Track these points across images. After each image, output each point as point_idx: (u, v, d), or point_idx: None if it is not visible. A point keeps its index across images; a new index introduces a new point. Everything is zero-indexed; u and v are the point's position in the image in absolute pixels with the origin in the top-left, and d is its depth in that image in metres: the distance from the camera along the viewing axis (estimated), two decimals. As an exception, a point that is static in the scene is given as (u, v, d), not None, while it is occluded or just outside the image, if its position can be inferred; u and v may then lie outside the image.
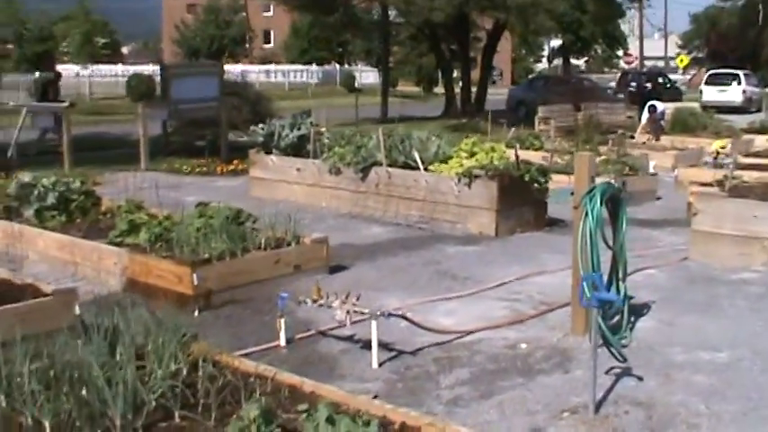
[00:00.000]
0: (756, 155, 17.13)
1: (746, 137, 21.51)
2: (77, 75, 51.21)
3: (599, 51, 64.99)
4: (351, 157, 12.30)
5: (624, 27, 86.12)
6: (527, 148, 17.74)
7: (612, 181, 6.62)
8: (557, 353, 6.46)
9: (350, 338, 6.76)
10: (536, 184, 11.08)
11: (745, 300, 7.80)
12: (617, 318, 6.78)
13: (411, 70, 62.21)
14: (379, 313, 6.25)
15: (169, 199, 11.69)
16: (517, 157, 11.23)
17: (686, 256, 9.34)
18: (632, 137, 21.07)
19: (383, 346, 6.53)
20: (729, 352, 6.41)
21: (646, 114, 21.52)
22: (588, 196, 6.31)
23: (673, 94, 39.74)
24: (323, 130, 13.41)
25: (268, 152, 13.81)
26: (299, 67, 66.63)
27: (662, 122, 21.51)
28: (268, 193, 13.61)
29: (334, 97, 54.93)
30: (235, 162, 17.75)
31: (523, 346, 6.62)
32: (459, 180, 11.06)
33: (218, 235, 8.34)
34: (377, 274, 8.91)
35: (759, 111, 35.86)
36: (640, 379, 5.91)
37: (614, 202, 6.63)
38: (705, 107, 39.86)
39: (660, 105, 21.89)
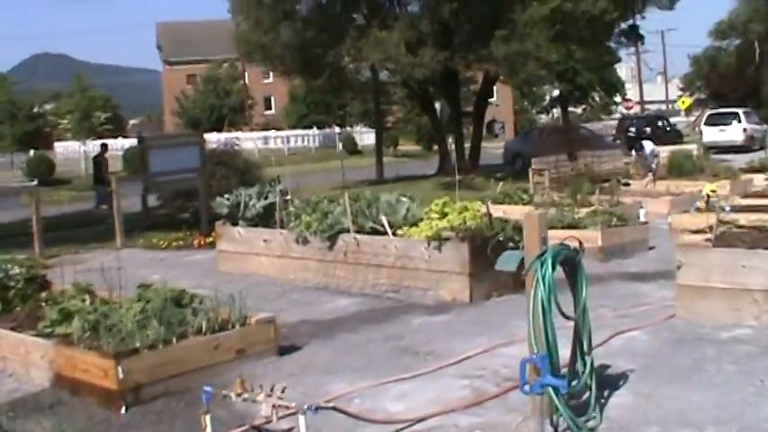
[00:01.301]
0: (756, 195, 16.37)
1: (745, 177, 20.75)
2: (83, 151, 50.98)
3: (597, 99, 64.43)
4: (317, 226, 11.57)
5: (623, 73, 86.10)
6: (515, 203, 17.05)
7: (569, 242, 5.73)
8: (513, 442, 5.64)
9: (286, 434, 5.96)
10: (511, 243, 10.30)
11: (735, 362, 6.96)
12: (585, 395, 5.98)
13: (412, 129, 61.87)
14: (306, 407, 5.47)
15: (133, 278, 10.95)
16: (489, 215, 10.47)
17: (673, 314, 8.50)
18: (627, 184, 20.34)
19: (322, 440, 5.77)
20: (714, 430, 5.58)
21: (634, 155, 20.86)
22: (539, 261, 5.55)
23: (673, 136, 39.10)
24: (288, 197, 12.67)
25: (234, 224, 13.10)
26: (299, 132, 66.38)
27: (653, 164, 20.75)
28: (236, 266, 12.90)
29: (335, 160, 54.64)
30: (214, 234, 17.06)
31: (477, 434, 5.81)
32: (429, 244, 10.31)
33: (156, 320, 7.59)
34: (331, 354, 8.12)
35: (762, 149, 35.14)
36: (606, 471, 5.08)
37: (571, 266, 5.86)
38: (706, 148, 39.39)
39: (649, 145, 21.20)
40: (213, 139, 41.07)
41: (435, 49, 27.30)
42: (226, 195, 13.56)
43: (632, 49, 48.61)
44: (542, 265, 5.51)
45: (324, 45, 28.83)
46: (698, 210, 13.05)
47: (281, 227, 12.30)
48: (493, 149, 45.09)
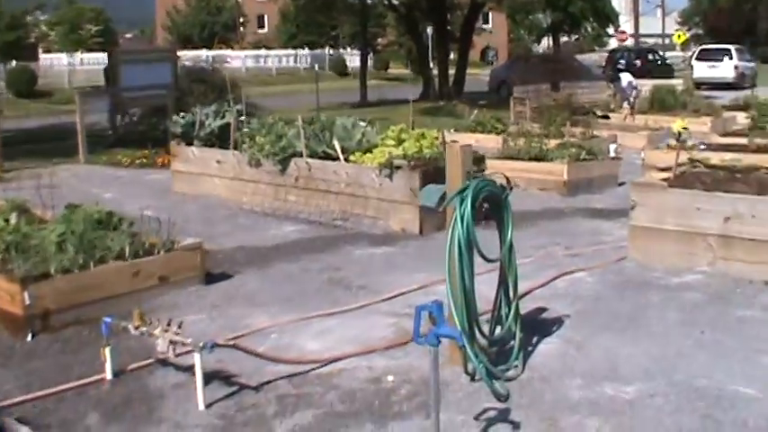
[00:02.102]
0: (735, 134, 15.90)
1: (728, 114, 20.23)
2: (69, 63, 50.17)
3: (589, 29, 63.18)
4: (269, 148, 11.08)
5: (620, 4, 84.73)
6: (488, 132, 16.56)
7: (498, 177, 5.28)
8: (426, 389, 5.23)
9: (191, 369, 5.55)
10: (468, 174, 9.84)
11: (679, 311, 6.56)
12: (512, 342, 5.60)
13: (403, 52, 60.92)
14: (201, 345, 5.06)
15: (84, 196, 10.57)
16: (444, 143, 9.97)
17: (625, 256, 8.09)
18: (606, 116, 19.85)
19: (225, 378, 5.40)
20: (640, 385, 5.19)
21: (611, 85, 20.38)
22: (458, 197, 5.11)
23: (664, 70, 38.39)
24: (242, 118, 12.15)
25: (190, 143, 12.60)
26: (289, 51, 65.20)
27: (631, 97, 20.20)
28: (190, 187, 12.47)
29: (324, 81, 53.76)
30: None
31: (390, 378, 5.42)
32: (380, 171, 9.85)
33: (75, 243, 7.15)
34: (261, 284, 7.71)
35: (753, 87, 34.50)
36: (516, 427, 4.70)
37: (496, 204, 5.42)
38: (697, 84, 38.71)
39: (626, 77, 20.65)
40: (202, 55, 40.26)
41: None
42: (181, 113, 13.02)
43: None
44: (462, 203, 5.07)
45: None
46: (668, 146, 12.58)
47: (235, 148, 11.82)
48: (485, 76, 44.33)
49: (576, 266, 7.88)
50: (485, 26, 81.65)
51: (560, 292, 7.12)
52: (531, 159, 12.69)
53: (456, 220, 5.05)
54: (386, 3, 32.74)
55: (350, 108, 31.21)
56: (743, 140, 14.16)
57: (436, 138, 10.65)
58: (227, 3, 78.70)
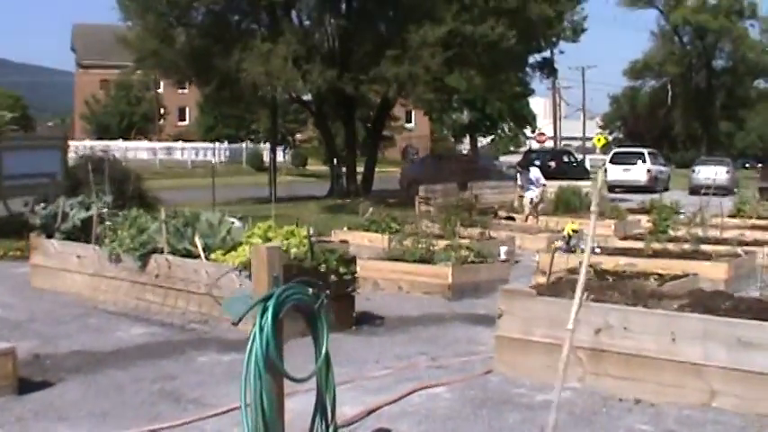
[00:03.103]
0: (635, 237, 15.54)
1: (633, 217, 19.99)
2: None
3: (506, 130, 63.87)
4: (128, 243, 10.27)
5: (541, 107, 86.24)
6: (382, 232, 15.91)
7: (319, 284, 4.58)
8: None
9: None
10: (333, 276, 9.15)
11: (536, 436, 5.87)
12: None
13: (321, 149, 60.75)
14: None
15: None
16: (311, 243, 9.28)
17: (491, 369, 7.40)
18: (511, 218, 19.44)
19: None
20: None
21: (519, 177, 20.03)
22: (260, 306, 4.39)
23: (579, 172, 38.43)
24: (104, 211, 11.34)
25: (50, 236, 11.73)
26: (206, 144, 64.66)
27: (534, 194, 19.88)
28: (50, 283, 11.57)
29: (239, 176, 53.16)
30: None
31: None
32: (240, 272, 9.09)
33: None
34: (81, 395, 6.84)
35: (666, 190, 34.71)
36: None
37: (308, 314, 4.70)
38: (611, 187, 38.89)
39: (535, 171, 20.38)
40: (99, 145, 39.36)
41: (324, 66, 26.13)
42: (42, 204, 12.18)
43: (547, 81, 48.02)
44: (263, 313, 4.34)
45: (214, 54, 27.44)
46: (557, 249, 12.05)
47: (97, 242, 10.98)
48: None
49: (436, 380, 7.15)
50: (407, 125, 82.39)
51: (411, 410, 6.38)
52: (417, 261, 12.05)
53: (254, 333, 4.31)
54: (293, 96, 32.30)
55: (254, 204, 30.51)
56: (641, 245, 13.78)
57: (306, 236, 9.96)
58: (148, 94, 78.09)
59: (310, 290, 4.67)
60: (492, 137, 68.01)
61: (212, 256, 9.60)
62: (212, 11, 27.89)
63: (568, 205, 20.49)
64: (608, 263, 11.80)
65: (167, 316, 9.75)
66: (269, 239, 9.74)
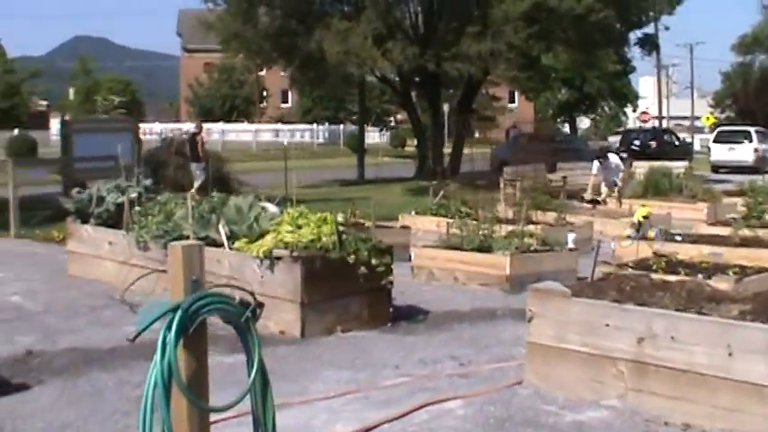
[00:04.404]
0: (727, 223, 14.22)
1: (728, 200, 18.53)
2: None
3: (606, 109, 61.49)
4: (155, 230, 9.58)
5: (649, 85, 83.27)
6: (452, 216, 14.92)
7: (246, 291, 3.70)
8: None
9: None
10: (363, 268, 8.27)
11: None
12: None
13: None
14: None
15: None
16: (339, 232, 8.40)
17: (521, 380, 6.41)
18: (595, 201, 18.23)
19: None
20: None
21: (596, 166, 18.60)
22: (170, 317, 3.54)
23: (681, 152, 36.60)
24: (134, 195, 10.66)
25: (85, 221, 11.15)
26: (304, 126, 64.41)
27: (617, 179, 18.55)
28: (84, 270, 11.04)
29: (334, 158, 52.66)
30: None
31: None
32: (262, 262, 8.29)
33: None
34: (51, 402, 6.16)
35: (775, 171, 32.70)
36: None
37: (236, 326, 3.83)
38: (715, 167, 36.90)
39: (614, 158, 18.97)
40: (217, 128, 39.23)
41: (405, 43, 25.16)
42: (76, 189, 11.61)
43: (648, 56, 45.81)
44: (169, 327, 3.48)
45: (296, 34, 26.77)
46: (628, 237, 10.94)
47: (127, 229, 10.34)
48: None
49: (454, 392, 6.21)
50: (510, 105, 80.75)
51: (411, 430, 5.46)
52: (475, 249, 11.07)
53: (157, 351, 3.46)
54: (377, 76, 31.42)
55: (339, 185, 29.85)
56: (726, 231, 12.55)
57: (342, 223, 9.10)
58: (250, 77, 78.28)
59: (237, 299, 3.76)
60: (592, 116, 65.75)
61: (236, 244, 8.81)
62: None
63: (658, 188, 19.15)
64: (689, 252, 10.66)
65: (189, 309, 9.00)
66: (299, 227, 8.89)
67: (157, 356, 3.45)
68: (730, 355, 5.36)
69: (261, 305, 3.87)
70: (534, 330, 6.29)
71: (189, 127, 37.31)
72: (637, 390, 5.77)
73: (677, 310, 5.76)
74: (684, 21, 44.35)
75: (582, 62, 31.64)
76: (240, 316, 3.74)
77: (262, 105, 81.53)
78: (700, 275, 8.44)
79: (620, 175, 18.67)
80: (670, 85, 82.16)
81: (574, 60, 29.71)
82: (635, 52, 39.47)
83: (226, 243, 8.84)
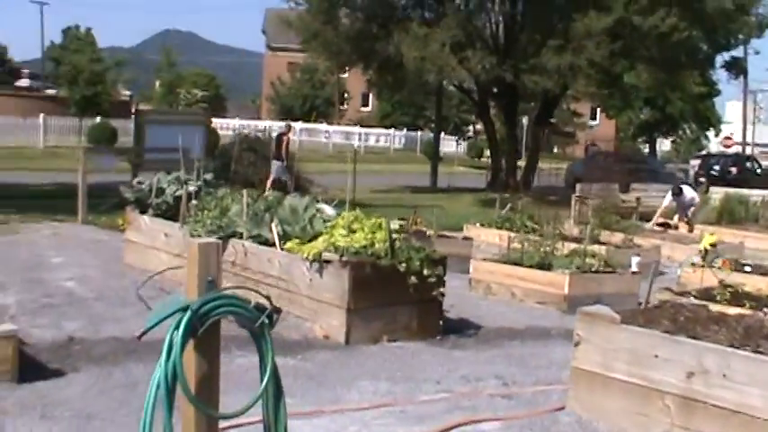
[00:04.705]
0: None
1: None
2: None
3: (688, 132, 60.20)
4: (209, 225, 9.52)
5: (737, 112, 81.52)
6: (516, 230, 14.65)
7: (263, 295, 3.55)
8: None
9: None
10: (414, 278, 8.07)
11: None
12: None
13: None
14: None
15: (28, 258, 11.00)
16: (391, 239, 8.21)
17: (563, 406, 6.16)
18: (667, 225, 17.73)
19: None
20: None
21: (669, 198, 18.04)
22: (179, 318, 3.40)
23: (761, 180, 35.60)
24: (192, 188, 10.61)
25: (144, 211, 11.17)
26: (382, 131, 64.38)
27: (689, 212, 17.99)
28: (140, 260, 11.04)
29: (409, 164, 52.53)
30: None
31: None
32: (311, 265, 8.15)
33: None
34: (84, 390, 6.11)
35: None
36: None
37: (251, 332, 3.67)
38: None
39: (689, 192, 18.37)
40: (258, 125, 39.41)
41: (484, 52, 24.90)
42: (137, 180, 11.63)
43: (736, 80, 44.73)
44: (176, 327, 3.34)
45: (376, 37, 26.70)
46: (693, 265, 10.55)
47: (184, 221, 10.30)
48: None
49: (493, 413, 5.98)
50: (591, 122, 79.75)
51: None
52: (534, 266, 10.80)
53: (162, 353, 3.32)
54: (455, 85, 31.19)
55: (410, 192, 29.69)
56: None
57: (400, 230, 8.92)
58: (331, 79, 78.55)
59: (252, 302, 3.61)
60: (672, 138, 64.50)
61: (288, 245, 8.69)
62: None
63: (732, 215, 18.59)
64: (757, 284, 10.25)
65: (237, 307, 8.91)
66: (353, 231, 8.74)
67: (162, 357, 3.31)
68: (785, 398, 5.05)
69: (278, 311, 3.72)
70: (580, 355, 6.03)
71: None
72: (684, 427, 5.48)
73: (731, 346, 5.45)
74: (775, 46, 43.20)
75: (664, 82, 30.96)
76: (255, 321, 3.55)
77: (342, 107, 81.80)
78: (765, 309, 8.06)
79: (692, 209, 18.08)
80: (757, 111, 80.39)
81: (656, 79, 29.08)
82: (721, 75, 38.61)
83: (278, 243, 8.73)
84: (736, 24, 26.67)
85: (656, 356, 5.61)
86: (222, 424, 3.72)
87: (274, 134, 25.04)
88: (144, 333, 3.45)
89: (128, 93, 54.98)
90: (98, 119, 43.43)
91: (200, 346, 3.53)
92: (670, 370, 5.54)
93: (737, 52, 36.48)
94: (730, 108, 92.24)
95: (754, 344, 5.53)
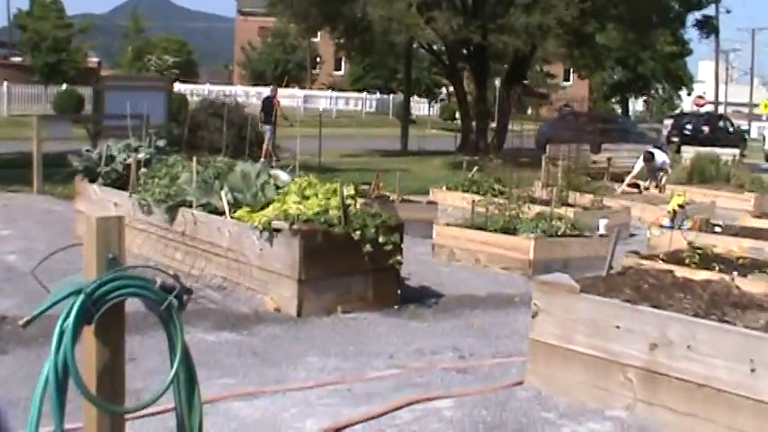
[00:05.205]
0: (768, 216, 13.49)
1: (777, 191, 17.68)
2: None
3: (660, 92, 59.86)
4: (158, 193, 9.10)
5: (710, 72, 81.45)
6: (484, 194, 14.29)
7: (168, 272, 3.13)
8: None
9: None
10: (369, 246, 7.71)
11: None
12: None
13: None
14: None
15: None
16: (344, 206, 7.83)
17: (522, 380, 5.82)
18: (636, 185, 17.42)
19: None
20: None
21: (640, 163, 17.69)
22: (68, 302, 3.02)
23: (735, 140, 35.45)
24: (140, 156, 10.16)
25: (93, 180, 10.72)
26: (354, 94, 63.77)
27: (661, 174, 17.65)
28: (90, 231, 10.51)
29: (383, 127, 52.04)
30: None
31: None
32: (261, 234, 7.77)
33: None
34: (8, 373, 5.76)
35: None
36: None
37: (159, 315, 3.28)
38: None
39: (660, 156, 18.03)
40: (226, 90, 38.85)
41: (451, 12, 24.41)
42: (86, 148, 11.19)
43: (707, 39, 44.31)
44: (68, 314, 2.96)
45: (342, -1, 26.16)
46: (661, 227, 10.25)
47: (134, 190, 9.87)
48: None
49: (447, 390, 5.64)
50: (564, 83, 79.36)
51: (389, 434, 4.91)
52: (499, 231, 10.46)
53: (52, 344, 2.93)
54: (423, 46, 30.71)
55: (380, 156, 29.26)
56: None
57: (355, 196, 8.55)
58: (303, 42, 77.66)
59: (158, 282, 3.21)
60: (645, 98, 64.18)
61: (237, 213, 8.30)
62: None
63: (703, 175, 18.30)
64: (728, 245, 9.97)
65: (186, 278, 8.52)
66: (306, 198, 8.36)
67: (52, 349, 2.92)
68: (753, 371, 4.73)
69: (189, 291, 3.32)
70: (538, 327, 5.70)
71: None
72: (646, 402, 5.16)
73: (696, 315, 5.13)
74: (747, 5, 43.04)
75: (634, 41, 30.53)
76: (161, 303, 3.16)
77: (314, 72, 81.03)
78: (734, 273, 7.75)
79: (663, 174, 17.69)
80: (729, 71, 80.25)
81: (626, 39, 28.64)
82: (693, 34, 38.27)
83: (227, 211, 8.34)
84: (706, -22, 26.28)
85: (618, 327, 5.28)
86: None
87: (253, 99, 24.80)
88: (29, 322, 3.05)
89: (95, 59, 54.03)
90: (64, 86, 42.53)
91: (100, 333, 3.14)
92: (632, 341, 5.22)
93: (709, 11, 36.18)
94: (703, 68, 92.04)
95: (720, 312, 5.22)
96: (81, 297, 2.97)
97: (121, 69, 62.29)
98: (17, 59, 54.09)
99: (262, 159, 13.72)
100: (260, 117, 24.46)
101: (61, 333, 2.95)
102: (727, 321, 5.04)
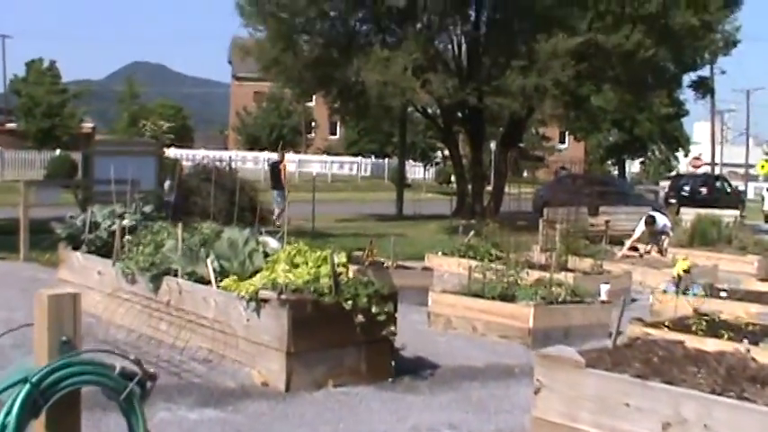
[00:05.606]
0: (772, 280, 13.15)
1: (781, 255, 17.32)
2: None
3: (657, 153, 59.93)
4: (142, 261, 8.76)
5: (705, 132, 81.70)
6: (480, 259, 13.92)
7: (134, 358, 2.78)
8: None
9: None
10: (361, 316, 7.35)
11: None
12: None
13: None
14: None
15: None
16: (335, 274, 7.48)
17: (525, 461, 5.44)
18: (635, 248, 17.07)
19: None
20: None
21: (641, 227, 17.35)
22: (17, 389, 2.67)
23: (732, 201, 35.22)
24: (125, 223, 9.83)
25: (77, 247, 10.38)
26: (350, 159, 63.78)
27: (662, 238, 17.30)
28: (73, 301, 10.13)
29: (378, 191, 51.87)
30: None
31: None
32: (248, 304, 7.41)
33: None
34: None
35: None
36: None
37: (119, 402, 2.92)
38: (766, 217, 35.48)
39: (662, 219, 17.71)
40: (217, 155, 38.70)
41: (446, 75, 24.30)
42: (70, 215, 10.87)
43: (702, 100, 44.42)
44: (11, 407, 2.60)
45: (335, 63, 26.04)
46: (664, 293, 9.91)
47: (118, 258, 9.53)
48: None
49: (444, 473, 5.24)
50: (560, 145, 79.53)
51: None
52: (496, 298, 10.10)
53: (-7, 440, 2.57)
54: (418, 109, 30.62)
55: (375, 220, 28.94)
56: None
57: (344, 264, 8.19)
58: (298, 107, 77.88)
59: (117, 368, 2.86)
60: (642, 160, 64.23)
61: (223, 282, 7.94)
62: (334, 18, 26.56)
63: (705, 237, 17.97)
64: (734, 310, 9.62)
65: (170, 350, 8.15)
66: (296, 266, 8.01)
67: (-9, 447, 2.56)
68: (776, 453, 4.36)
69: (152, 377, 2.96)
70: (541, 404, 5.33)
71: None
72: (660, 486, 4.78)
73: (712, 392, 4.76)
74: (742, 66, 43.24)
75: (631, 103, 30.44)
76: (120, 392, 2.80)
77: (309, 136, 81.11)
78: (745, 341, 7.39)
79: (665, 237, 17.34)
80: (725, 131, 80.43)
81: (622, 100, 28.53)
82: (688, 95, 38.28)
83: (213, 281, 7.98)
84: (703, 42, 26.23)
85: (628, 405, 4.92)
86: None
87: (249, 164, 24.77)
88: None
89: (90, 125, 54.09)
90: (57, 152, 42.50)
91: (51, 427, 2.78)
92: (643, 420, 4.85)
93: (704, 72, 36.25)
94: (698, 129, 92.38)
95: (738, 388, 4.86)
96: (27, 387, 2.61)
97: (117, 134, 62.31)
98: (12, 125, 54.23)
99: (277, 224, 13.45)
100: (270, 183, 24.86)
101: (2, 430, 2.59)
102: (746, 398, 4.68)
